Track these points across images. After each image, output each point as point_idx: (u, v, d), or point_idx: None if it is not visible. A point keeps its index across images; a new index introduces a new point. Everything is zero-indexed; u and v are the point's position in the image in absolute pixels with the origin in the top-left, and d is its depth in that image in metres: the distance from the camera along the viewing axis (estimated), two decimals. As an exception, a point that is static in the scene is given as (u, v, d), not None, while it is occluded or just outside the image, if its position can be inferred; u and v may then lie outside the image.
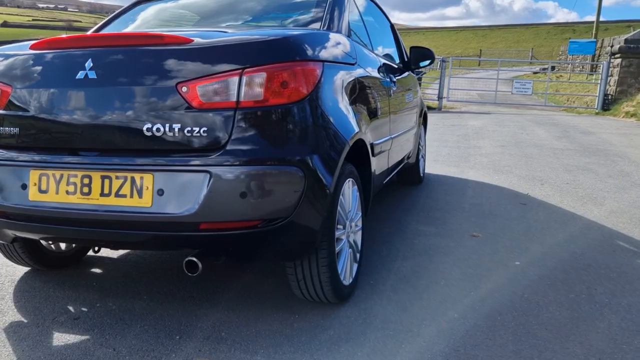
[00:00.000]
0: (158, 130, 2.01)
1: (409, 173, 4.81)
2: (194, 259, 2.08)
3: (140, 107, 2.04)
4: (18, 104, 2.21)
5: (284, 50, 2.06)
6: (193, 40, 2.07)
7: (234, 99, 1.98)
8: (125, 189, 2.05)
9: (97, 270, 2.89)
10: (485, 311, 2.38)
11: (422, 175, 5.07)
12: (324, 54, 2.31)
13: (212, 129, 1.98)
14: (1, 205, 2.21)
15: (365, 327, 2.22)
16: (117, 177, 2.06)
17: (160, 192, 2.00)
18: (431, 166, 5.88)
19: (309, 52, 2.18)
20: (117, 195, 2.05)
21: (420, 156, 4.93)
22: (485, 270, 2.86)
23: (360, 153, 2.66)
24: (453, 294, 2.55)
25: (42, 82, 2.18)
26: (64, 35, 2.26)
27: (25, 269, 2.90)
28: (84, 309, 2.44)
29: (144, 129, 2.02)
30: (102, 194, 2.07)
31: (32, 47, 2.26)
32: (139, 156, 2.05)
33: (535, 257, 3.07)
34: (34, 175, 2.16)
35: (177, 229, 2.03)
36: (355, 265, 2.60)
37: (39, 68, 2.21)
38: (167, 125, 2.00)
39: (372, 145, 2.80)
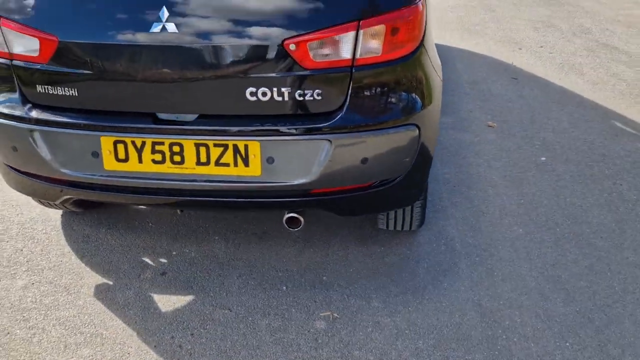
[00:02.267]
0: (264, 94, 1.80)
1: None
2: (297, 215, 2.05)
3: (241, 68, 1.80)
4: (70, 58, 1.85)
5: None
6: (293, -16, 1.77)
7: (350, 55, 1.79)
8: (227, 158, 1.89)
9: (140, 207, 2.75)
10: (543, 222, 2.60)
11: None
12: None
13: (327, 90, 1.81)
14: (71, 175, 1.97)
15: (452, 256, 2.37)
16: (215, 145, 1.88)
17: (270, 160, 1.87)
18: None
19: None
20: (217, 164, 1.90)
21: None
22: (521, 171, 3.04)
23: None
24: (507, 205, 2.73)
25: (101, 32, 1.82)
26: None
27: (55, 211, 2.68)
28: (162, 260, 2.37)
29: (247, 93, 1.80)
30: (198, 163, 1.90)
31: None
32: (241, 122, 1.87)
33: (555, 150, 3.28)
34: (106, 142, 1.91)
35: (287, 195, 1.95)
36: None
37: (95, 13, 1.82)
38: (275, 88, 1.80)
39: None
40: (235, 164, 1.90)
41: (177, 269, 2.32)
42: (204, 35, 1.78)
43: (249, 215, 2.63)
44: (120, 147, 1.92)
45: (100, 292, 2.20)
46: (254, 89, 1.80)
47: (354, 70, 1.80)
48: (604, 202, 2.77)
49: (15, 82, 1.96)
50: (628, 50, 5.11)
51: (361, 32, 1.76)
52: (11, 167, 2.12)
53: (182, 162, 1.92)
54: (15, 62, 1.94)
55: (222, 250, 2.43)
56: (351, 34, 1.76)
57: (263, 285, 2.22)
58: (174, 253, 2.42)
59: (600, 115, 3.78)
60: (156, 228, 2.58)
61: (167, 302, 2.15)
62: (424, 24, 1.95)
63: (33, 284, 2.25)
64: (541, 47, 5.24)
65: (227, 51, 1.79)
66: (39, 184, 2.10)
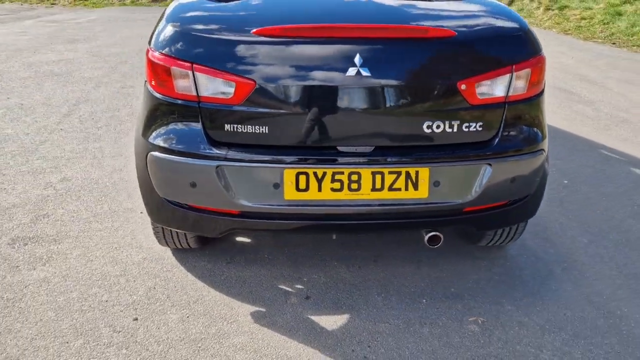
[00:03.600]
0: (438, 127, 2.12)
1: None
2: (438, 233, 2.34)
3: (420, 105, 2.10)
4: (264, 99, 2.05)
5: (535, 43, 2.23)
6: (455, 34, 2.11)
7: (504, 93, 2.16)
8: (399, 183, 2.15)
9: (245, 240, 2.87)
10: (597, 232, 3.08)
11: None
12: None
13: (486, 123, 2.16)
14: (251, 206, 2.12)
15: (544, 264, 2.76)
16: (390, 173, 2.14)
17: (437, 184, 2.16)
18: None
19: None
20: (390, 189, 2.16)
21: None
22: (555, 192, 3.53)
23: None
24: (564, 222, 3.19)
25: (298, 76, 2.04)
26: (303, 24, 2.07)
27: (163, 250, 2.75)
28: (297, 286, 2.53)
29: (424, 126, 2.10)
30: (373, 189, 2.15)
31: (259, 33, 2.04)
32: (415, 152, 2.15)
33: (571, 174, 3.84)
34: (289, 174, 2.11)
35: (444, 214, 2.24)
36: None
37: (292, 58, 2.03)
38: (447, 122, 2.12)
39: None
40: (406, 188, 2.16)
41: (317, 292, 2.49)
42: (391, 78, 2.06)
43: (361, 240, 2.86)
44: (302, 178, 2.12)
45: (259, 319, 2.31)
46: (430, 123, 2.11)
47: (506, 105, 2.18)
48: (633, 213, 3.32)
49: (200, 122, 2.10)
50: (579, 93, 5.99)
51: (514, 74, 2.15)
52: (177, 203, 2.22)
53: (358, 189, 2.15)
54: (202, 105, 2.09)
55: (347, 273, 2.63)
56: (507, 76, 2.14)
57: (404, 300, 2.46)
58: (305, 279, 2.58)
59: (586, 144, 4.45)
60: (273, 259, 2.72)
61: (328, 322, 2.31)
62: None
63: (188, 317, 2.30)
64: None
65: (410, 92, 2.09)
66: (206, 217, 2.22)
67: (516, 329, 2.30)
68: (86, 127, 4.50)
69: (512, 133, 2.22)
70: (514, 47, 2.18)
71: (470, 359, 2.12)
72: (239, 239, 2.89)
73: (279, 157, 2.11)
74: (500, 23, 2.28)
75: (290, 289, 2.51)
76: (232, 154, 2.10)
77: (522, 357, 2.14)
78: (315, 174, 2.12)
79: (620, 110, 5.34)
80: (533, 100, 2.25)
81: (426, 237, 2.33)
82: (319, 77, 2.05)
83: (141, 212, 3.12)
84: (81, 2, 13.83)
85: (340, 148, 2.14)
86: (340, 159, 2.13)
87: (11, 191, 3.35)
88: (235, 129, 2.09)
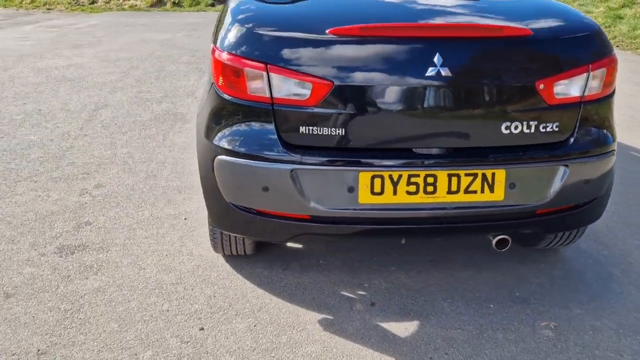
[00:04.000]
0: (516, 127, 2.08)
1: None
2: (506, 236, 2.29)
3: (499, 105, 2.06)
4: (341, 101, 2.00)
5: (608, 43, 2.20)
6: (532, 32, 2.08)
7: (580, 93, 2.13)
8: (476, 186, 2.11)
9: (297, 245, 2.81)
10: (645, 234, 3.06)
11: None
12: None
13: (562, 123, 2.13)
14: (324, 211, 2.06)
15: (602, 266, 2.72)
16: (466, 175, 2.10)
17: (512, 186, 2.12)
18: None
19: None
20: (466, 191, 2.11)
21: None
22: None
23: None
24: (609, 223, 3.17)
25: (377, 76, 1.99)
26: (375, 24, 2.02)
27: (216, 257, 2.67)
28: (360, 292, 2.47)
29: (502, 127, 2.06)
30: (449, 192, 2.10)
31: (335, 32, 1.98)
32: (491, 153, 2.10)
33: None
34: (364, 177, 2.05)
35: (518, 217, 2.20)
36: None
37: (371, 59, 1.98)
38: (524, 122, 2.08)
39: None
40: (482, 191, 2.12)
41: (381, 299, 2.43)
42: (470, 77, 2.03)
43: (415, 244, 2.81)
44: (377, 181, 2.06)
45: (328, 327, 2.24)
46: (507, 123, 2.07)
47: (582, 105, 2.14)
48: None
49: (274, 124, 2.04)
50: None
51: (590, 74, 2.12)
52: (245, 208, 2.15)
53: (434, 191, 2.10)
54: (276, 106, 2.02)
55: (407, 278, 2.57)
56: (584, 75, 2.11)
57: (471, 305, 2.41)
58: (365, 285, 2.52)
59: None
60: (329, 264, 2.66)
61: (399, 329, 2.25)
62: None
63: (255, 325, 2.23)
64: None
65: (488, 91, 2.05)
66: (276, 222, 2.15)
67: (590, 333, 2.25)
68: (110, 132, 4.40)
69: (586, 134, 2.19)
70: (590, 47, 2.15)
71: (551, 365, 2.08)
72: (291, 244, 2.82)
73: (355, 160, 2.06)
74: (572, 22, 2.25)
75: (352, 295, 2.45)
76: (307, 157, 2.04)
77: (602, 363, 2.11)
78: (390, 177, 2.06)
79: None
80: (606, 101, 2.22)
81: (494, 241, 2.29)
82: (397, 76, 2.00)
83: (185, 219, 3.04)
84: (78, 7, 13.68)
85: (416, 150, 2.09)
86: (417, 161, 2.08)
87: (46, 198, 3.25)
88: (310, 132, 2.03)
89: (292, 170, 2.03)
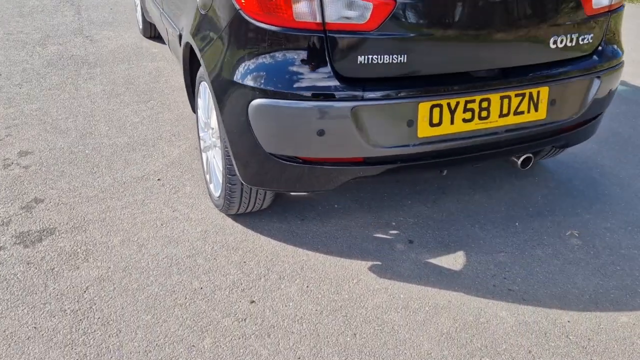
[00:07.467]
0: (561, 41, 2.03)
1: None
2: (530, 154, 2.31)
3: (549, 19, 1.98)
4: (403, 22, 1.76)
5: None
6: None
7: (609, 2, 2.13)
8: (524, 106, 2.06)
9: (299, 194, 2.55)
10: None
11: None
12: None
13: (595, 34, 2.12)
14: (385, 150, 1.86)
15: (604, 181, 2.90)
16: (516, 95, 2.03)
17: (553, 103, 2.11)
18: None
19: None
20: (515, 113, 2.05)
21: None
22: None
23: None
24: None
25: None
26: None
27: (222, 219, 2.34)
28: (392, 231, 2.35)
29: (551, 41, 1.99)
30: (500, 115, 2.02)
31: None
32: (537, 70, 2.03)
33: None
34: (423, 108, 1.89)
35: (554, 134, 2.20)
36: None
37: None
38: (568, 35, 2.04)
39: None
40: (529, 111, 2.07)
41: (416, 235, 2.33)
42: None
43: (421, 177, 2.73)
44: (436, 111, 1.90)
45: (382, 273, 2.10)
46: (555, 37, 2.00)
47: (610, 15, 2.14)
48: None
49: (327, 56, 1.73)
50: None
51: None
52: (288, 158, 1.85)
53: (487, 116, 2.00)
54: (330, 33, 1.71)
55: (427, 210, 2.50)
56: (604, -16, 2.09)
57: (498, 226, 2.41)
58: (393, 223, 2.39)
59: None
60: (345, 208, 2.48)
61: (449, 262, 2.18)
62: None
63: (307, 286, 2.01)
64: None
65: (537, 5, 1.93)
66: (326, 169, 1.89)
67: (608, 235, 2.40)
68: (-4, 86, 3.54)
69: (609, 44, 2.21)
70: None
71: (596, 271, 2.17)
72: (293, 193, 2.56)
73: (414, 90, 1.86)
74: None
75: (386, 236, 2.31)
76: (368, 92, 1.79)
77: (632, 261, 2.25)
78: (449, 105, 1.91)
79: None
80: (622, 10, 2.25)
81: (519, 161, 2.28)
82: None
83: (159, 179, 2.59)
84: None
85: (472, 73, 1.95)
86: (473, 85, 1.94)
87: (-39, 177, 2.54)
88: (370, 61, 1.77)
89: (352, 108, 1.77)
